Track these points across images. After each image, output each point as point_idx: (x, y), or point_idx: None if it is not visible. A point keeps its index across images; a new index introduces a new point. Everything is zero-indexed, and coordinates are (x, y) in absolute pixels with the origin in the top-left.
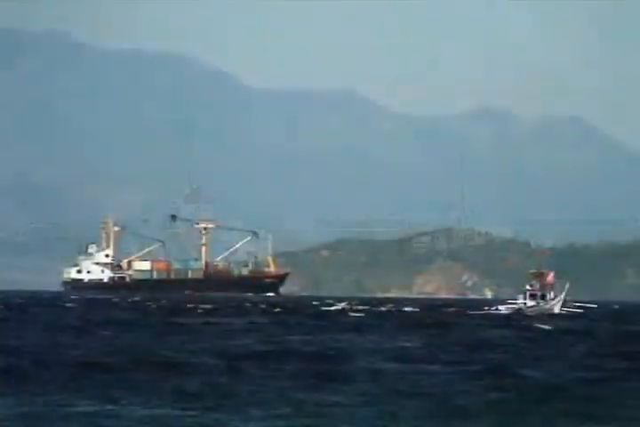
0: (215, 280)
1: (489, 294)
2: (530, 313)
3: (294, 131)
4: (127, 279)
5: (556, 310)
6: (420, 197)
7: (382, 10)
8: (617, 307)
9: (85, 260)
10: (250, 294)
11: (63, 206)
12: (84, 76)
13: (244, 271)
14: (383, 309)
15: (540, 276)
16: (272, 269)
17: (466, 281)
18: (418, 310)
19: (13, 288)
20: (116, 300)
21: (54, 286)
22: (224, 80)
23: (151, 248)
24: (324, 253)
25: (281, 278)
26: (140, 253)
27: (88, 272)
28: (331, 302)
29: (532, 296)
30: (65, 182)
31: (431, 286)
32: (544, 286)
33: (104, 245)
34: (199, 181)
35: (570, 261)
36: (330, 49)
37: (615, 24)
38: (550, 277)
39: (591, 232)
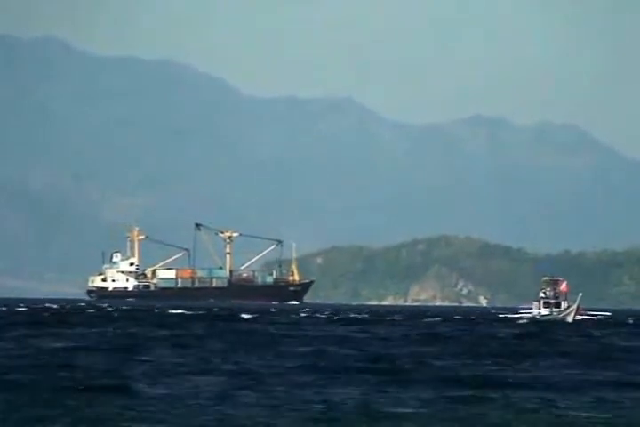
0: (239, 288)
1: (484, 302)
2: (544, 321)
3: (290, 138)
4: (152, 288)
5: (570, 319)
6: (416, 205)
7: (380, 17)
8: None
9: (110, 268)
10: (275, 303)
11: (59, 212)
12: (80, 82)
13: (269, 279)
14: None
15: (554, 284)
16: (296, 277)
17: (461, 289)
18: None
19: (11, 296)
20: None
21: (52, 293)
22: (220, 87)
23: (176, 257)
24: (320, 260)
25: (305, 287)
26: (165, 262)
27: (113, 281)
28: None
29: (547, 304)
30: (61, 187)
31: (426, 293)
32: (558, 294)
33: (129, 253)
34: (193, 188)
35: (565, 268)
36: (326, 56)
37: (613, 31)
38: (564, 285)
39: (586, 239)
